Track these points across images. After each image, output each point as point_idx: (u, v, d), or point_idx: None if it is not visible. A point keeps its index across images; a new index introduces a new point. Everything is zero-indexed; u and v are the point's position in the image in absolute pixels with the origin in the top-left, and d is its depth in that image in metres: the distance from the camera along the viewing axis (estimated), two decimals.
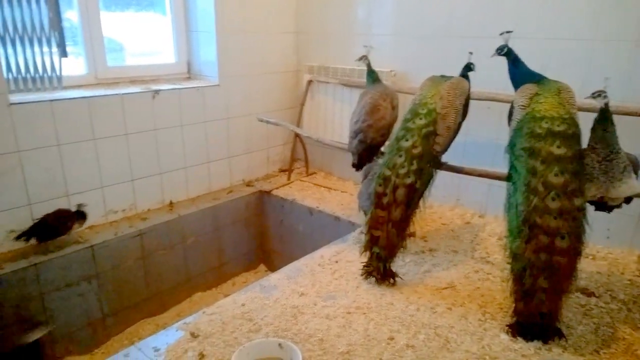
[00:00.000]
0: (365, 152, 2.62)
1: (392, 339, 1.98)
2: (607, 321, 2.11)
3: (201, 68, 3.65)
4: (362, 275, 2.43)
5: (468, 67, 2.46)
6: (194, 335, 1.96)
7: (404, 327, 2.06)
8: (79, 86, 3.03)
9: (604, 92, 1.94)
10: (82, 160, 2.84)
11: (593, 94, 1.96)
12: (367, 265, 2.43)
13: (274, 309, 2.18)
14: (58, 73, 2.81)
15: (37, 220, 2.63)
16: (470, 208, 3.32)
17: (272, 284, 2.41)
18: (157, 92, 3.12)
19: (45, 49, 2.71)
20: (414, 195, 2.28)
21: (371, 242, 2.37)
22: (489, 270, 2.55)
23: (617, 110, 2.33)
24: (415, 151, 2.26)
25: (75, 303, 2.72)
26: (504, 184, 2.23)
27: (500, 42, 2.27)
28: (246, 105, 3.78)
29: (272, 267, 3.86)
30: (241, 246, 3.74)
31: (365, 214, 2.79)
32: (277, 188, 3.85)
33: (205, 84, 3.50)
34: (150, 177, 3.20)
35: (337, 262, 2.66)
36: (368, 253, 2.41)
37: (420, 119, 2.31)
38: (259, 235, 3.91)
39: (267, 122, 3.58)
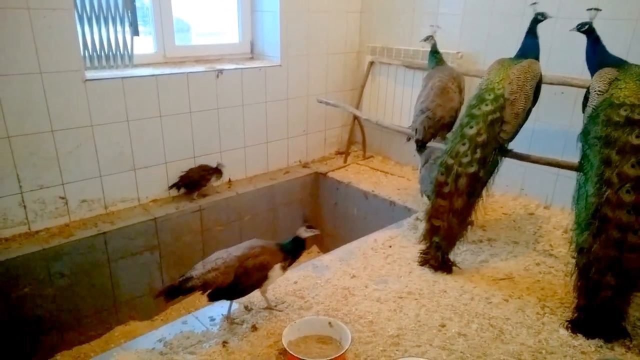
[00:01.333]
0: (431, 128, 2.54)
1: (443, 326, 1.95)
2: None
3: (264, 48, 3.68)
4: (419, 263, 2.40)
5: (536, 20, 2.25)
6: (247, 308, 2.02)
7: (457, 315, 2.02)
8: (148, 64, 3.17)
9: None
10: (149, 136, 2.98)
11: None
12: (425, 254, 2.40)
13: (325, 288, 2.19)
14: (130, 51, 2.95)
15: (183, 173, 3.11)
16: (535, 199, 3.15)
17: (325, 264, 2.42)
18: (220, 71, 3.19)
19: (119, 28, 2.85)
20: (476, 185, 2.21)
21: (431, 232, 2.33)
22: (551, 264, 2.43)
23: None
24: (480, 139, 2.18)
25: (138, 271, 2.90)
26: (572, 174, 2.11)
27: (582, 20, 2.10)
28: (306, 86, 3.78)
29: (325, 249, 3.87)
30: (295, 226, 3.73)
31: (429, 198, 2.74)
32: (332, 170, 3.85)
33: (268, 64, 3.54)
34: (210, 154, 3.30)
35: (390, 247, 2.63)
36: (427, 242, 2.38)
37: (487, 105, 2.21)
38: (313, 216, 3.93)
39: (327, 103, 3.57)
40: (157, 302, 2.99)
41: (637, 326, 1.92)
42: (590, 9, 2.05)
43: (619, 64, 2.01)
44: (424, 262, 2.38)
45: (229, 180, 3.45)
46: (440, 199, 2.26)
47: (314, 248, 4.03)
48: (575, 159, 2.11)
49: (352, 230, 3.62)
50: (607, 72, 1.98)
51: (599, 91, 1.95)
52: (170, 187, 3.12)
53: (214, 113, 3.24)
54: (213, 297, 1.83)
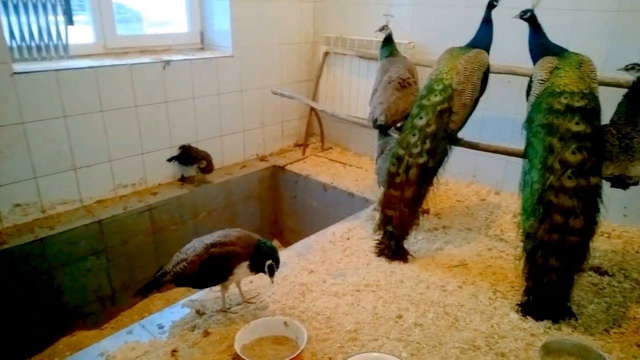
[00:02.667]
0: (394, 117, 2.49)
1: (400, 317, 1.93)
2: (619, 300, 2.03)
3: (214, 38, 3.54)
4: (375, 253, 2.39)
5: (491, 5, 2.27)
6: (199, 313, 1.93)
7: (413, 305, 2.01)
8: (87, 55, 2.97)
9: (639, 65, 1.83)
10: (90, 133, 2.79)
11: (627, 66, 1.85)
12: (380, 243, 2.41)
13: (282, 286, 2.13)
14: (64, 41, 2.75)
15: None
16: (487, 185, 3.22)
17: (282, 260, 2.32)
18: (167, 62, 3.04)
19: (51, 16, 2.64)
20: (426, 175, 2.24)
21: (385, 221, 2.35)
22: (502, 248, 2.47)
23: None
24: (429, 129, 2.20)
25: (83, 277, 2.72)
26: (520, 161, 2.15)
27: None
28: (260, 77, 3.67)
29: (286, 243, 3.81)
30: (254, 222, 3.70)
31: (384, 186, 2.73)
32: (291, 163, 3.78)
33: (219, 54, 3.41)
34: (160, 150, 3.15)
35: (348, 239, 2.59)
36: (381, 231, 2.39)
37: (436, 95, 2.23)
38: (273, 210, 3.86)
39: (282, 95, 3.49)
40: (106, 309, 2.85)
41: (582, 305, 1.99)
42: None
43: (559, 52, 2.05)
44: (379, 253, 2.38)
45: (182, 177, 3.31)
46: (393, 190, 2.28)
47: (275, 242, 3.95)
48: (522, 144, 2.14)
49: (313, 223, 3.57)
50: (548, 61, 2.03)
51: (541, 80, 2.00)
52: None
53: (162, 106, 3.09)
54: (178, 284, 1.83)
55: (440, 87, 2.23)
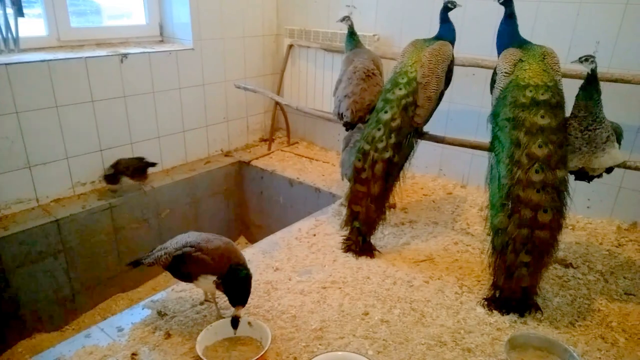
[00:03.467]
0: (360, 112, 2.46)
1: (366, 314, 1.93)
2: (584, 293, 2.08)
3: (174, 31, 3.43)
4: (342, 249, 2.38)
5: (446, 8, 2.23)
6: (160, 314, 1.87)
7: (380, 301, 2.01)
8: (40, 49, 2.82)
9: (593, 57, 1.82)
10: (44, 129, 2.66)
11: (580, 58, 1.84)
12: (347, 239, 2.39)
13: None
14: (14, 34, 2.61)
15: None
16: (453, 178, 3.25)
17: (246, 258, 2.28)
18: (125, 55, 2.92)
19: None
20: (392, 170, 2.22)
21: (351, 217, 2.33)
22: (468, 242, 2.50)
23: (602, 77, 2.20)
24: (394, 124, 2.18)
25: (41, 279, 2.61)
26: (486, 154, 2.15)
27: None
28: (223, 71, 3.59)
29: (253, 239, 3.76)
30: (219, 218, 3.64)
31: (350, 182, 2.71)
32: (257, 158, 3.72)
33: (179, 47, 3.30)
34: (120, 147, 3.04)
35: (314, 235, 2.57)
36: (348, 227, 2.38)
37: (400, 89, 2.21)
38: (238, 207, 3.80)
39: (245, 89, 3.42)
40: (67, 310, 2.74)
41: (547, 298, 2.02)
42: None
43: (522, 44, 2.03)
44: (347, 249, 2.37)
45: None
46: (359, 185, 2.26)
47: (242, 239, 3.91)
48: (487, 137, 2.14)
49: (279, 218, 3.54)
50: (512, 53, 2.01)
51: (505, 72, 1.97)
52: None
53: (120, 101, 2.97)
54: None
55: (405, 80, 2.21)
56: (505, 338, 1.74)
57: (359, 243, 2.32)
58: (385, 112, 2.21)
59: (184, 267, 1.74)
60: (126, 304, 2.89)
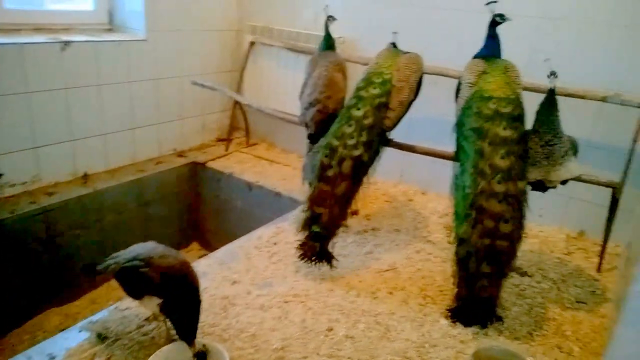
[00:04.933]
0: (323, 123, 2.38)
1: (330, 329, 1.81)
2: (540, 301, 2.09)
3: (125, 19, 3.17)
4: (298, 257, 2.16)
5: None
6: (101, 337, 1.66)
7: (344, 315, 1.90)
8: None
9: (554, 73, 1.87)
10: None
11: (549, 74, 1.88)
12: (302, 245, 2.15)
13: (202, 300, 1.91)
14: None
15: None
16: (414, 185, 3.21)
17: (201, 270, 2.12)
18: (66, 43, 2.65)
19: None
20: (360, 170, 2.10)
21: (311, 220, 2.12)
22: (430, 250, 2.46)
23: (558, 91, 2.21)
24: (366, 121, 2.09)
25: None
26: (447, 161, 2.14)
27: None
28: (179, 65, 3.36)
29: (207, 246, 3.56)
30: (171, 223, 3.40)
31: (310, 185, 2.59)
32: (213, 160, 3.52)
33: (130, 37, 3.05)
34: (58, 144, 2.74)
35: (275, 243, 2.43)
36: (305, 231, 2.14)
37: (375, 88, 2.14)
38: (192, 211, 3.57)
39: (203, 86, 3.22)
40: None
41: (506, 308, 2.01)
42: (488, 3, 2.02)
43: (488, 57, 2.07)
44: (302, 256, 2.15)
45: (85, 175, 2.93)
46: (323, 184, 2.09)
47: (195, 245, 3.67)
48: (448, 146, 2.14)
49: (237, 223, 3.36)
50: (476, 64, 2.04)
51: (470, 83, 2.00)
52: None
53: (60, 93, 2.69)
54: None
55: (380, 80, 2.15)
56: (469, 351, 1.70)
57: (316, 249, 2.13)
58: (358, 108, 2.12)
59: (129, 282, 1.54)
60: (60, 319, 2.61)
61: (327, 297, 2.01)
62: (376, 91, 2.13)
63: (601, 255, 2.35)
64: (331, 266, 2.16)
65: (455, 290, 1.93)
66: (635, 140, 2.20)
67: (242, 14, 3.68)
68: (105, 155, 3.03)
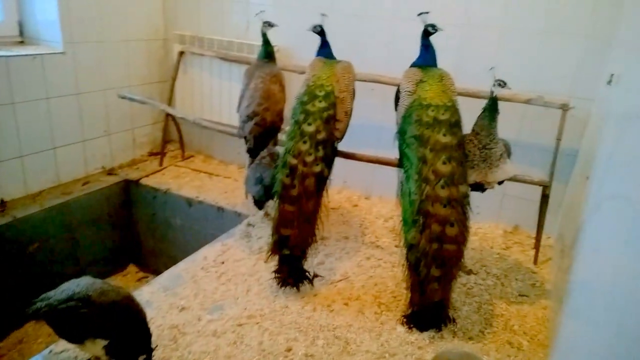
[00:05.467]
0: (262, 137, 2.33)
1: (289, 350, 1.77)
2: (486, 298, 2.18)
3: (39, 31, 2.91)
4: (278, 284, 2.12)
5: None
6: None
7: (302, 333, 1.87)
8: None
9: (504, 82, 1.93)
10: None
11: (496, 81, 1.95)
12: (278, 272, 2.11)
13: None
14: None
15: None
16: (357, 190, 3.25)
17: (145, 299, 1.99)
18: None
19: None
20: (322, 185, 2.09)
21: (279, 244, 2.06)
22: (379, 256, 2.49)
23: (485, 95, 2.37)
24: (320, 136, 2.07)
25: None
26: (388, 166, 2.19)
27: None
28: (103, 78, 3.15)
29: (146, 267, 3.37)
30: (103, 247, 3.17)
31: (254, 199, 2.53)
32: (147, 176, 3.33)
33: (45, 50, 2.81)
34: None
35: (223, 263, 2.34)
36: (277, 256, 2.10)
37: (320, 101, 2.12)
38: (126, 232, 3.35)
39: (131, 99, 3.04)
40: None
41: (457, 308, 2.07)
42: (421, 14, 2.10)
43: (423, 66, 2.12)
44: (282, 283, 2.11)
45: (2, 202, 2.65)
46: (288, 205, 2.03)
47: (132, 268, 3.45)
48: (389, 152, 2.19)
49: (177, 243, 3.21)
50: (414, 73, 2.09)
51: (409, 91, 2.05)
52: None
53: None
54: None
55: (323, 93, 2.13)
56: (427, 357, 1.74)
57: (294, 272, 2.10)
58: (309, 124, 2.08)
59: (67, 326, 1.40)
60: None
61: (282, 315, 1.96)
62: (322, 104, 2.11)
63: (536, 248, 2.50)
64: (312, 285, 2.13)
65: (409, 295, 1.95)
66: (559, 139, 2.38)
67: (168, 23, 3.52)
68: (24, 179, 2.76)
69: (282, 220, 2.04)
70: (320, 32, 2.32)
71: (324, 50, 2.34)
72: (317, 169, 2.05)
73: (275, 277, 2.12)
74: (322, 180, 2.08)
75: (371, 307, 2.06)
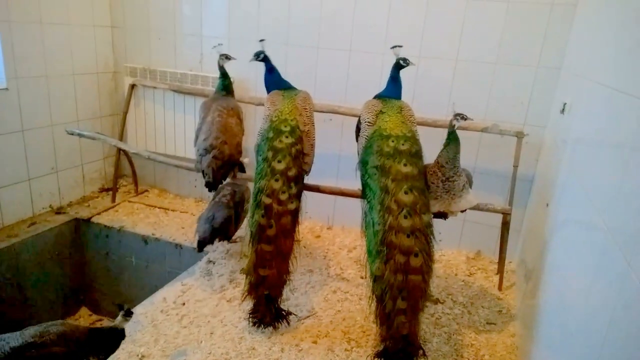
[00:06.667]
0: (221, 170, 2.29)
1: None
2: (455, 328, 2.18)
3: None
4: (252, 325, 2.05)
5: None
6: None
7: None
8: None
9: (464, 115, 1.96)
10: None
11: (456, 115, 1.97)
12: (254, 313, 2.05)
13: None
14: None
15: None
16: (319, 220, 3.22)
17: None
18: None
19: None
20: (296, 221, 2.08)
21: (257, 284, 2.01)
22: (345, 289, 2.46)
23: (440, 124, 2.53)
24: (291, 173, 2.05)
25: None
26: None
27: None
28: (49, 113, 3.01)
29: (99, 310, 3.18)
30: (52, 291, 2.97)
31: (199, 238, 2.46)
32: (98, 213, 3.17)
33: None
34: None
35: (184, 304, 2.24)
36: (253, 298, 2.04)
37: (286, 137, 2.10)
38: (77, 273, 3.16)
39: (81, 135, 2.91)
40: None
41: (427, 340, 2.06)
42: (394, 47, 2.13)
43: (383, 97, 2.15)
44: (257, 324, 2.05)
45: None
46: (265, 244, 1.99)
47: (84, 311, 3.25)
48: (348, 181, 2.21)
49: (132, 283, 3.06)
50: (374, 104, 2.11)
51: (369, 122, 2.06)
52: None
53: None
54: None
55: (288, 128, 2.12)
56: None
57: (272, 312, 2.04)
58: (279, 161, 2.06)
59: None
60: None
61: (249, 358, 1.89)
62: (289, 140, 2.09)
63: (500, 274, 2.54)
64: (289, 323, 2.07)
65: (378, 329, 1.90)
66: (515, 166, 2.45)
67: (118, 56, 3.43)
68: None
69: (260, 261, 2.00)
70: (264, 58, 2.29)
71: (273, 76, 2.31)
72: (292, 206, 2.04)
73: (250, 319, 2.06)
74: (296, 217, 2.07)
75: (341, 344, 2.01)
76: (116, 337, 1.63)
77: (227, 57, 2.50)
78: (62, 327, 1.46)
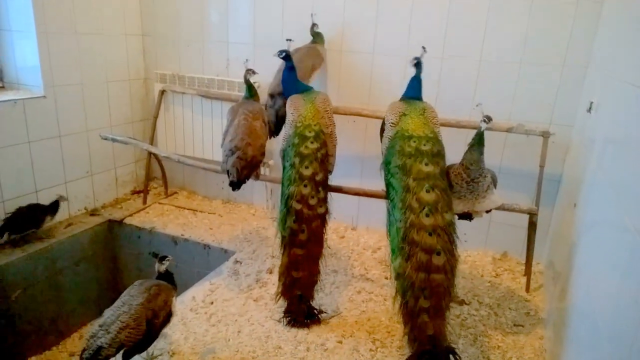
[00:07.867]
0: (245, 169, 2.35)
1: None
2: (481, 330, 2.16)
3: (19, 76, 2.91)
4: (286, 324, 2.14)
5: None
6: None
7: None
8: None
9: (490, 117, 1.96)
10: None
11: (484, 117, 1.97)
12: (288, 312, 2.15)
13: None
14: None
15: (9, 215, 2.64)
16: (343, 221, 3.24)
17: None
18: None
19: None
20: (326, 224, 2.16)
21: (290, 286, 2.12)
22: (370, 289, 2.47)
23: (467, 125, 2.53)
24: (318, 178, 2.13)
25: None
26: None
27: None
28: (84, 120, 3.14)
29: None
30: (89, 290, 3.09)
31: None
32: (130, 215, 3.29)
33: (26, 95, 2.80)
34: None
35: (212, 303, 2.30)
36: (287, 298, 2.15)
37: (312, 142, 2.16)
38: (112, 272, 3.29)
39: (114, 140, 3.02)
40: None
41: (453, 341, 2.01)
42: (419, 55, 2.18)
43: (407, 99, 2.19)
44: (291, 323, 2.14)
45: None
46: (297, 249, 2.09)
47: None
48: (372, 182, 2.24)
49: None
50: (397, 106, 2.15)
51: (392, 123, 2.10)
52: None
53: None
54: (128, 356, 1.67)
55: (312, 134, 2.18)
56: None
57: (305, 311, 2.14)
58: (306, 167, 2.12)
59: (162, 315, 1.79)
60: None
61: (275, 357, 1.93)
62: (314, 145, 2.15)
63: (528, 276, 2.50)
64: (320, 321, 2.15)
65: (404, 330, 1.87)
66: (542, 166, 2.42)
67: (148, 63, 3.55)
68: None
69: (292, 264, 2.10)
70: (286, 56, 2.36)
71: (291, 75, 2.38)
72: (322, 210, 2.12)
73: (284, 318, 2.15)
74: (325, 221, 2.15)
75: (366, 344, 2.03)
76: (168, 277, 1.99)
77: (253, 72, 2.58)
78: (150, 282, 1.93)
